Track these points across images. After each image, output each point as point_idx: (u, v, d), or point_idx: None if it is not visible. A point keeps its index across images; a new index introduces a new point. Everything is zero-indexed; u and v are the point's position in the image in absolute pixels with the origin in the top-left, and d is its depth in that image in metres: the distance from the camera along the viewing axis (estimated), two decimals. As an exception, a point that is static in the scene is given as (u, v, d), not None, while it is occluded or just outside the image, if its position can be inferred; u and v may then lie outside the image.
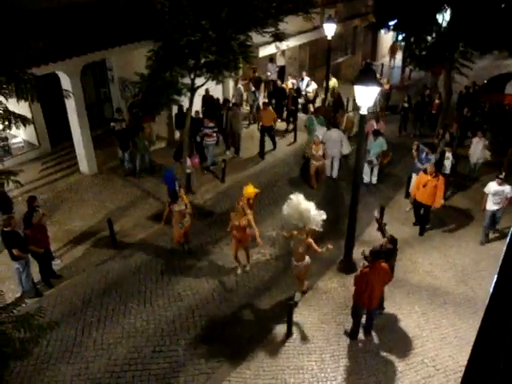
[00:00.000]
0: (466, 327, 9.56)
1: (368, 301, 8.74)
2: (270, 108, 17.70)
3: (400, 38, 24.16)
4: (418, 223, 12.98)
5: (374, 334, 9.43)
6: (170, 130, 17.60)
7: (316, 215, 9.37)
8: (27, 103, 8.49)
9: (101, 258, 11.76)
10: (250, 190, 10.93)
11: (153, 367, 8.78)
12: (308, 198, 9.71)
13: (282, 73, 23.09)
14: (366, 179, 15.11)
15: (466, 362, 3.75)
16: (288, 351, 9.06)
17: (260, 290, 10.64)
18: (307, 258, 9.68)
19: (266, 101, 19.33)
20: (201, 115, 16.76)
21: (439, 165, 13.65)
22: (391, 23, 17.81)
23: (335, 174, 15.69)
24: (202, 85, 12.52)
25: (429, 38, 16.10)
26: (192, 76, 12.00)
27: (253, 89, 19.74)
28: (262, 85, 21.59)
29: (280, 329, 9.48)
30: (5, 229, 9.85)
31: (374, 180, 15.41)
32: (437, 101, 19.05)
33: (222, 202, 14.19)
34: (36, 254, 10.41)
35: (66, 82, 13.84)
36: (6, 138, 15.81)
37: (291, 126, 19.36)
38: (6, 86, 5.05)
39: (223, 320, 9.80)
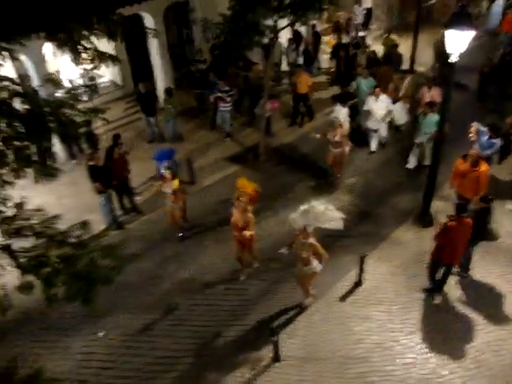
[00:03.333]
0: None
1: (449, 256, 8.48)
2: (305, 73, 15.01)
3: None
4: None
5: (448, 291, 9.21)
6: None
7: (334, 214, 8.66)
8: (112, 44, 8.69)
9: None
10: (245, 184, 9.66)
11: (224, 303, 9.21)
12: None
13: (368, 16, 21.19)
14: (412, 162, 12.64)
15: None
16: (357, 300, 9.13)
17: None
18: (315, 263, 8.33)
19: (301, 63, 16.86)
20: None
21: (505, 151, 11.72)
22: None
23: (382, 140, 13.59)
24: (285, 27, 12.22)
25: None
26: (275, 17, 11.73)
27: (293, 45, 17.26)
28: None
29: (351, 278, 9.51)
30: (90, 163, 10.49)
31: (427, 161, 11.93)
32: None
33: (300, 147, 14.08)
34: (117, 188, 11.07)
35: (149, 23, 14.01)
36: (94, 78, 16.42)
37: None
38: (97, 25, 5.20)
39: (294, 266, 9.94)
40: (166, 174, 10.21)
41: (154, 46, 14.65)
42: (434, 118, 11.41)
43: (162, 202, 10.73)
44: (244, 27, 11.25)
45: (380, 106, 12.80)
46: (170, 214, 10.57)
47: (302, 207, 8.51)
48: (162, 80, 15.67)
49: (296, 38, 17.43)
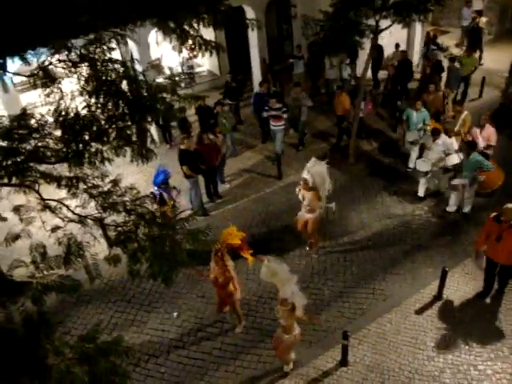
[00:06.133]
0: None
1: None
2: (344, 94, 13.65)
3: None
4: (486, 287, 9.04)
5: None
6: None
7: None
8: (212, 34, 8.90)
9: (266, 188, 12.44)
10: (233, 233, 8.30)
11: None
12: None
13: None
14: (452, 206, 11.08)
15: None
16: (434, 315, 8.73)
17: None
18: (297, 331, 7.44)
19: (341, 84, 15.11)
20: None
21: None
22: None
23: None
24: (387, 28, 11.92)
25: None
26: (377, 17, 11.47)
27: (347, 60, 15.75)
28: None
29: (430, 291, 9.14)
30: (181, 147, 10.86)
31: (467, 209, 10.89)
32: None
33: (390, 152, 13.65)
34: (205, 173, 11.42)
35: (251, 16, 14.20)
36: (192, 67, 16.98)
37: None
38: (205, 15, 5.36)
39: (372, 271, 9.77)
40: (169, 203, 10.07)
41: (254, 39, 14.86)
42: (475, 158, 10.12)
43: (251, 193, 10.88)
44: (345, 26, 11.10)
45: (436, 149, 10.99)
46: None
47: (269, 266, 7.40)
48: (258, 73, 15.88)
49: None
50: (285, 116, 12.88)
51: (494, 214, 8.19)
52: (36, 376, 4.28)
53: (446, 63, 15.16)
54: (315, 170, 9.63)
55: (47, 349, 4.35)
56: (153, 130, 13.14)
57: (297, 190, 9.83)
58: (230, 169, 13.16)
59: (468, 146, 10.38)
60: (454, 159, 10.86)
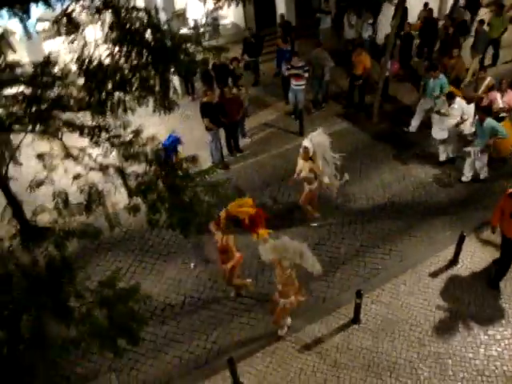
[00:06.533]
0: None
1: None
2: (364, 53, 13.09)
3: None
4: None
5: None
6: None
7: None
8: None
9: (287, 144, 12.37)
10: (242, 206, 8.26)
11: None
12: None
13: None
14: (467, 175, 10.75)
15: None
16: (449, 279, 8.75)
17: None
18: (292, 298, 7.38)
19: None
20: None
21: None
22: None
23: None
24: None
25: None
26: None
27: (370, 20, 15.04)
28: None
29: (446, 255, 9.14)
30: (203, 99, 10.88)
31: (483, 175, 10.67)
32: None
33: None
34: (226, 127, 11.43)
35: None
36: (217, 19, 16.64)
37: None
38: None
39: (389, 232, 9.77)
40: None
41: (281, -8, 14.49)
42: (490, 124, 9.76)
43: (271, 148, 10.77)
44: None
45: (452, 114, 10.63)
46: None
47: (277, 243, 7.17)
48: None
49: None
50: (306, 75, 12.50)
51: (511, 190, 8.01)
52: (59, 316, 4.45)
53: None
54: (318, 140, 9.26)
55: (69, 292, 4.50)
56: (176, 80, 13.04)
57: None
58: (251, 123, 13.11)
59: (483, 112, 10.01)
60: (472, 126, 10.64)
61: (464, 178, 10.78)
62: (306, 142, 9.28)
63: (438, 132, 11.03)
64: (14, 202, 6.58)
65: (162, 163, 5.10)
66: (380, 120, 12.92)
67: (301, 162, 9.35)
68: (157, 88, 4.90)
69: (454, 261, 9.01)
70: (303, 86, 12.72)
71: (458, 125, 10.65)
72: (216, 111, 10.95)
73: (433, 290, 8.58)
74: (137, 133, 5.25)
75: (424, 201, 10.47)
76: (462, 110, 10.59)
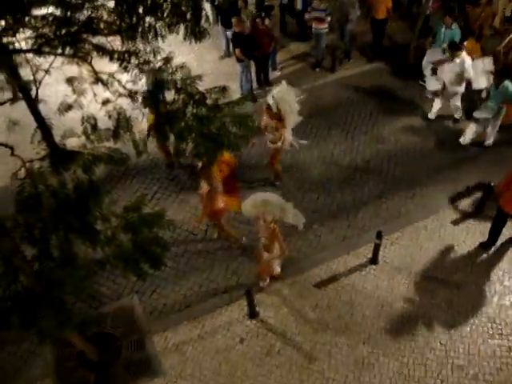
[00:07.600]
0: None
1: None
2: None
3: None
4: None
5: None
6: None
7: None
8: None
9: (318, 80, 12.21)
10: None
11: (337, 195, 9.33)
12: None
13: None
14: (467, 138, 10.15)
15: None
16: (470, 228, 8.73)
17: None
18: (275, 252, 7.34)
19: None
20: None
21: None
22: None
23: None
24: None
25: None
26: None
27: None
28: None
29: (469, 204, 9.09)
30: (235, 29, 10.70)
31: (489, 141, 10.05)
32: None
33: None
34: (256, 59, 11.25)
35: None
36: None
37: None
38: None
39: (414, 176, 9.68)
40: None
41: None
42: (506, 87, 8.98)
43: (301, 83, 10.74)
44: None
45: (452, 68, 9.86)
46: None
47: (257, 197, 7.04)
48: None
49: None
50: (328, 19, 11.79)
51: None
52: (86, 238, 4.61)
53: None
54: (281, 96, 8.46)
55: (96, 215, 4.62)
56: (208, 8, 12.70)
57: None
58: (283, 56, 12.83)
59: (500, 73, 9.25)
60: (483, 82, 9.99)
61: (462, 140, 10.18)
62: (268, 99, 8.62)
63: (430, 81, 10.56)
64: (43, 125, 6.67)
65: (192, 93, 5.01)
66: (416, 60, 12.06)
67: (265, 120, 8.79)
68: (188, 15, 4.77)
69: (478, 209, 8.92)
70: (325, 30, 11.98)
71: (454, 82, 9.96)
72: (247, 42, 10.71)
73: (453, 237, 8.58)
74: (167, 60, 5.16)
75: (453, 147, 10.25)
76: (463, 67, 9.71)
